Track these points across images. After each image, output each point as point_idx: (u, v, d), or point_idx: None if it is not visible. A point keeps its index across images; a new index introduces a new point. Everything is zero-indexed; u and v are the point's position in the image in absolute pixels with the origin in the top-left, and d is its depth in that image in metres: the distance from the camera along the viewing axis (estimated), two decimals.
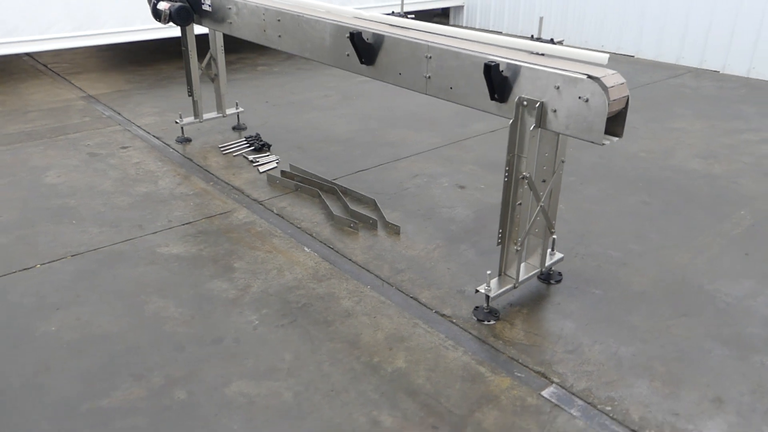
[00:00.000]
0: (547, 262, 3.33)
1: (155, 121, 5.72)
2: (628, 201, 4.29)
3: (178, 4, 4.70)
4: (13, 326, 2.99)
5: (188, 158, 4.93)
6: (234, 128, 5.55)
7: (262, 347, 2.88)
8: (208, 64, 5.25)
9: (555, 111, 2.72)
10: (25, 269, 3.44)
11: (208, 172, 4.71)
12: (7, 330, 2.97)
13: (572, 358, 2.83)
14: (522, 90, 2.81)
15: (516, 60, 2.80)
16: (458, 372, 2.75)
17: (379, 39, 3.41)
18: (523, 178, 2.92)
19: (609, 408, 2.56)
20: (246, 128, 5.55)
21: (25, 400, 2.56)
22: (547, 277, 3.39)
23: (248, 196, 4.34)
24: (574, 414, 2.53)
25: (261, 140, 5.14)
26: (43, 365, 2.75)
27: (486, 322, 3.07)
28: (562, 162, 3.07)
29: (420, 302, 3.23)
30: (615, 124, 2.67)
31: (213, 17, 4.71)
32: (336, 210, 4.07)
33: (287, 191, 4.40)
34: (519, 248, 3.03)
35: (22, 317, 3.05)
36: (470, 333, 3.00)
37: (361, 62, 3.52)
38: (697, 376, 2.72)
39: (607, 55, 2.69)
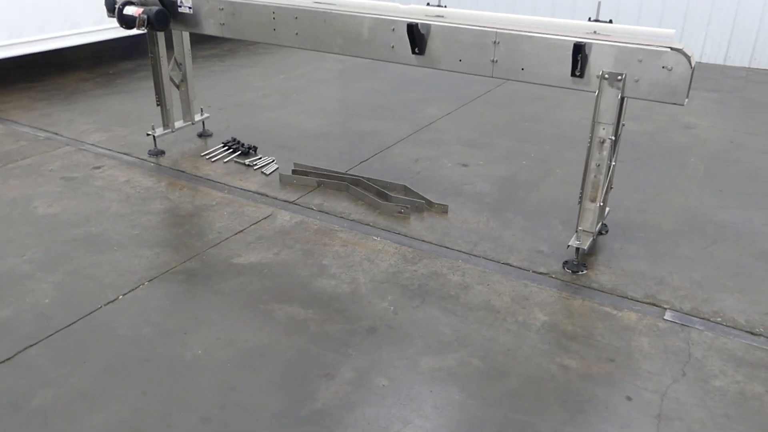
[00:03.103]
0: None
1: (106, 137, 5.25)
2: None
3: (156, 8, 4.40)
4: (155, 357, 2.77)
5: (180, 170, 4.66)
6: (200, 135, 5.30)
7: (417, 327, 3.01)
8: (172, 69, 4.95)
9: (637, 81, 3.21)
10: (109, 303, 3.13)
11: (213, 180, 4.51)
12: (151, 362, 2.74)
13: (665, 288, 3.37)
14: (602, 65, 3.26)
15: (599, 39, 3.24)
16: (591, 315, 3.15)
17: (431, 29, 3.64)
18: (603, 142, 3.39)
19: (720, 319, 3.13)
20: (212, 134, 5.33)
21: (239, 420, 2.45)
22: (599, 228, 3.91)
23: (275, 198, 4.27)
24: (700, 328, 3.06)
25: (243, 144, 5.01)
26: (226, 386, 2.62)
27: (580, 273, 3.50)
28: (623, 125, 3.58)
29: (513, 266, 3.55)
30: None
31: (192, 20, 4.49)
32: (372, 199, 4.19)
33: (310, 189, 4.41)
34: (602, 204, 3.50)
35: (155, 348, 2.83)
36: (574, 284, 3.41)
37: (414, 52, 3.71)
38: (757, 284, 3.42)
39: (674, 31, 3.24)
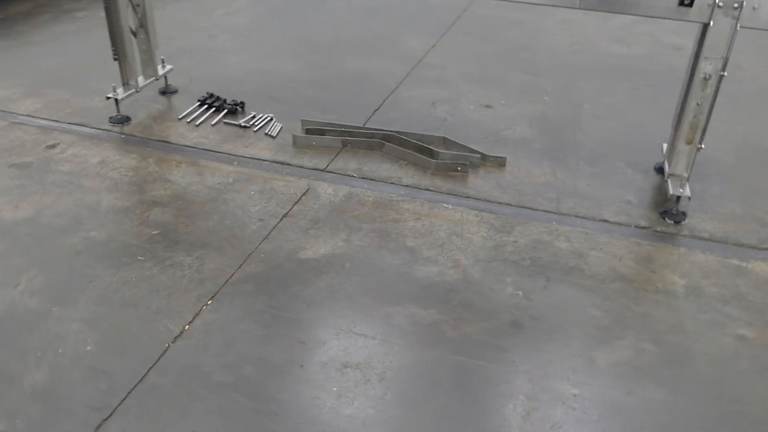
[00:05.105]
0: None
1: (43, 104, 4.10)
2: (622, 89, 4.67)
3: None
4: (283, 409, 2.12)
5: (162, 140, 3.74)
6: (163, 93, 4.31)
7: (563, 314, 2.58)
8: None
9: (755, 8, 2.85)
10: (177, 338, 2.38)
11: (211, 150, 3.67)
12: (283, 416, 2.09)
13: None
14: None
15: None
16: (724, 271, 2.88)
17: None
18: (707, 78, 3.03)
19: None
20: (177, 90, 4.36)
21: None
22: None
23: (302, 167, 3.55)
24: None
25: (225, 100, 4.13)
26: (395, 430, 2.06)
27: (683, 222, 3.21)
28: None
29: (611, 222, 3.19)
30: None
31: None
32: (417, 157, 3.60)
33: (334, 150, 3.71)
34: (701, 146, 3.18)
35: (275, 394, 2.17)
36: (683, 236, 3.11)
37: None
38: None
39: None
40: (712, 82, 3.03)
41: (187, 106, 4.13)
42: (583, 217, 3.22)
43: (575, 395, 2.23)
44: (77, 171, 3.41)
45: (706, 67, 3.01)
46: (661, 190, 3.46)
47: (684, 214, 3.25)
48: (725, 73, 2.98)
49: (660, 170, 3.63)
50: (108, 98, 3.87)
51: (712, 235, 3.12)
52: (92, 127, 3.87)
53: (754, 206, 3.35)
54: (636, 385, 2.27)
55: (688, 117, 3.15)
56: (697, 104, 3.11)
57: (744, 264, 2.93)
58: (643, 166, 3.68)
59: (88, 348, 2.32)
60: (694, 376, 2.33)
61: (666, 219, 3.23)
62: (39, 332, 2.39)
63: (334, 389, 2.20)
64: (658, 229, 3.15)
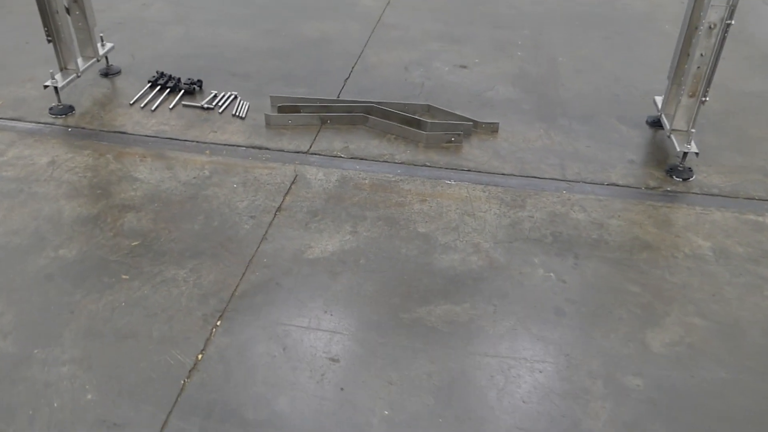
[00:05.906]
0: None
1: None
2: (593, 39, 4.51)
3: None
4: None
5: (116, 131, 3.29)
6: (105, 75, 3.80)
7: (602, 295, 2.43)
8: None
9: None
10: (191, 371, 2.06)
11: (176, 139, 3.25)
12: None
13: None
14: None
15: None
16: (743, 228, 2.80)
17: None
18: (713, 27, 2.88)
19: None
20: (120, 71, 3.85)
21: None
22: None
23: (282, 151, 3.21)
24: None
25: (180, 79, 3.67)
26: None
27: (690, 179, 3.11)
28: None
29: (620, 185, 3.05)
30: None
31: None
32: (405, 129, 3.33)
33: (313, 129, 3.38)
34: (705, 99, 3.06)
35: (323, 422, 1.91)
36: (693, 193, 3.02)
37: None
38: None
39: None
40: (717, 31, 2.90)
41: (136, 88, 3.66)
42: (591, 183, 3.06)
43: (639, 386, 2.10)
44: (25, 176, 2.94)
45: (711, 15, 2.87)
46: (659, 146, 3.36)
47: (691, 170, 3.15)
48: (732, 21, 2.85)
49: (653, 124, 3.52)
50: (46, 87, 3.34)
51: (721, 189, 3.05)
52: (31, 121, 3.35)
53: (753, 155, 3.30)
54: (696, 366, 2.16)
55: (692, 68, 3.01)
56: (701, 54, 2.97)
57: (760, 218, 2.87)
58: (635, 120, 3.55)
59: (89, 396, 1.98)
60: (750, 348, 2.24)
61: (674, 177, 3.12)
62: (23, 383, 2.02)
63: (386, 413, 1.97)
64: (669, 189, 3.05)
